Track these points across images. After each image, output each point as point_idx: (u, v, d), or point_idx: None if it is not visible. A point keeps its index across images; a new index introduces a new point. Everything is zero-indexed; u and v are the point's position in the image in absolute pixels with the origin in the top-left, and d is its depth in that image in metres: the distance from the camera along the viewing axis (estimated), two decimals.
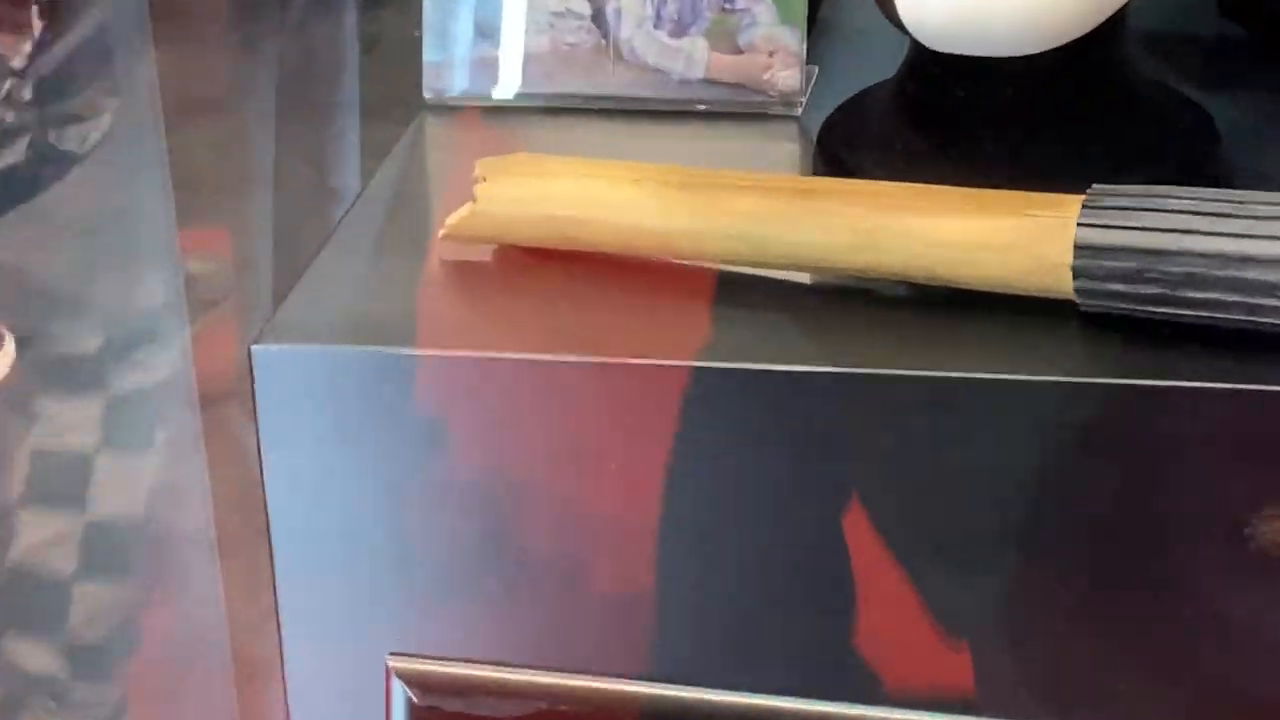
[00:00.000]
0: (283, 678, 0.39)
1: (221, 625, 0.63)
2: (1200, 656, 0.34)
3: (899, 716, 0.34)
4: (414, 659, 0.36)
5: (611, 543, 0.36)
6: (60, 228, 0.61)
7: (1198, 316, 0.31)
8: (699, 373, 0.33)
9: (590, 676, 0.35)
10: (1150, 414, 0.32)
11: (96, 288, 0.63)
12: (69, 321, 0.63)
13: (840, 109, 0.45)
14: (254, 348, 0.37)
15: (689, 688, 0.35)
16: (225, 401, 0.60)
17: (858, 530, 0.34)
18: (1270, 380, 0.30)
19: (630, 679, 0.35)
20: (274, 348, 0.36)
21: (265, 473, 0.37)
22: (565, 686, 0.36)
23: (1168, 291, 0.30)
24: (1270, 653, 0.33)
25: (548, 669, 0.36)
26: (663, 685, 0.35)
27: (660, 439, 0.34)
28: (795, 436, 0.34)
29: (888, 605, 0.34)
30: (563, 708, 0.36)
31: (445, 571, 0.38)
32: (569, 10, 0.49)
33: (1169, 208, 0.31)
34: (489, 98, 0.51)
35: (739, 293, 0.37)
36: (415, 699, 0.36)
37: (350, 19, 0.65)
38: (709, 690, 0.35)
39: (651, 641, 0.36)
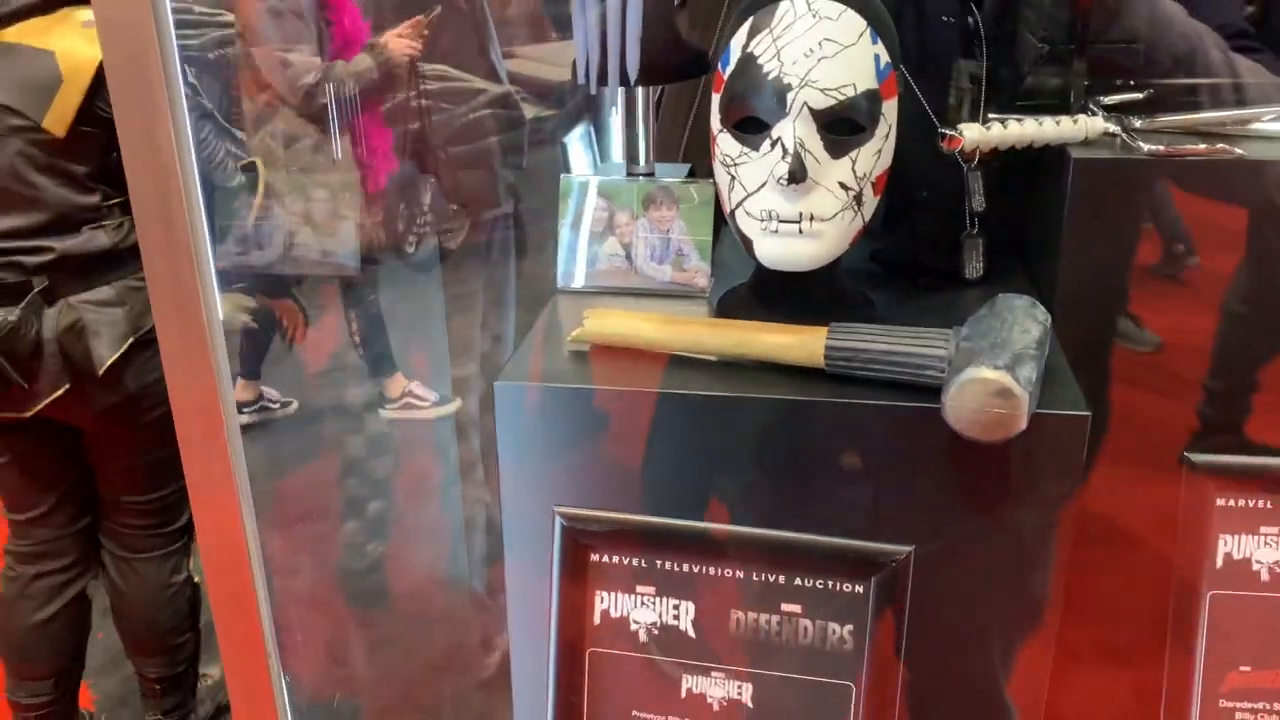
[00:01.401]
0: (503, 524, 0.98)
1: None
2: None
3: None
4: (569, 510, 0.95)
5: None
6: None
7: (872, 373, 0.92)
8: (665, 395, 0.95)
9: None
10: (849, 421, 0.93)
11: None
12: None
13: (726, 293, 1.09)
14: (496, 384, 0.97)
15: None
16: None
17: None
18: (909, 401, 0.92)
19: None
20: (505, 384, 0.97)
21: (498, 432, 0.97)
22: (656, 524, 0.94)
23: (859, 365, 0.92)
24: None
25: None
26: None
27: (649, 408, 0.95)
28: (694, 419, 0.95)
29: None
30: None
31: (583, 476, 0.98)
32: (616, 254, 1.14)
33: (860, 331, 0.93)
34: (585, 288, 1.15)
35: (689, 365, 0.99)
36: (564, 523, 0.94)
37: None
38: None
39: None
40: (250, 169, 1.62)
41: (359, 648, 2.53)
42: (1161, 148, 1.05)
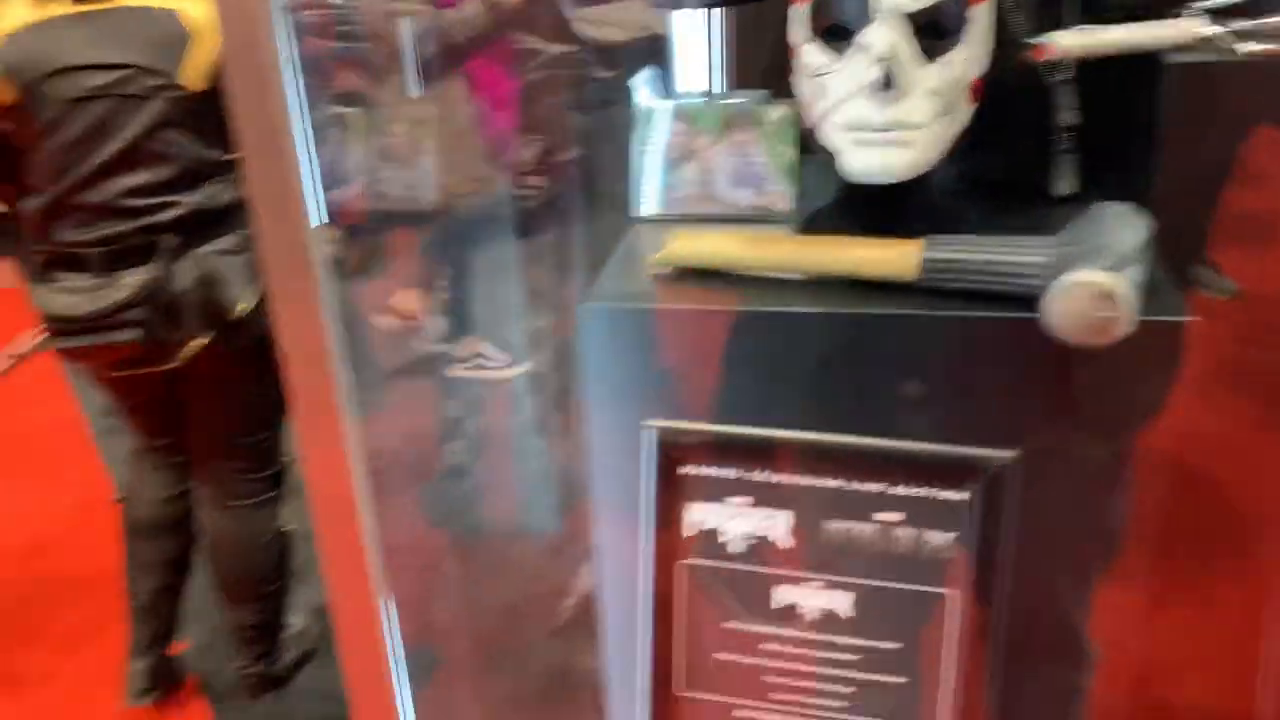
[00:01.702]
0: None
1: None
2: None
3: None
4: (660, 423, 0.95)
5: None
6: None
7: (970, 285, 0.89)
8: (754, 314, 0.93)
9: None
10: (949, 332, 0.91)
11: None
12: None
13: (810, 214, 1.07)
14: (580, 306, 0.97)
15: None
16: None
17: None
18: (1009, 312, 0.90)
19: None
20: (591, 306, 0.96)
21: (582, 356, 0.96)
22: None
23: (956, 276, 0.90)
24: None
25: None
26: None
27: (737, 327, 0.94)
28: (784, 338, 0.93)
29: None
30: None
31: (671, 394, 0.97)
32: (697, 181, 1.12)
33: (957, 243, 0.91)
34: (663, 215, 1.14)
35: (776, 284, 0.97)
36: (657, 436, 0.93)
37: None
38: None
39: None
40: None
41: (436, 597, 2.58)
42: (1263, 48, 1.00)
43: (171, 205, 1.90)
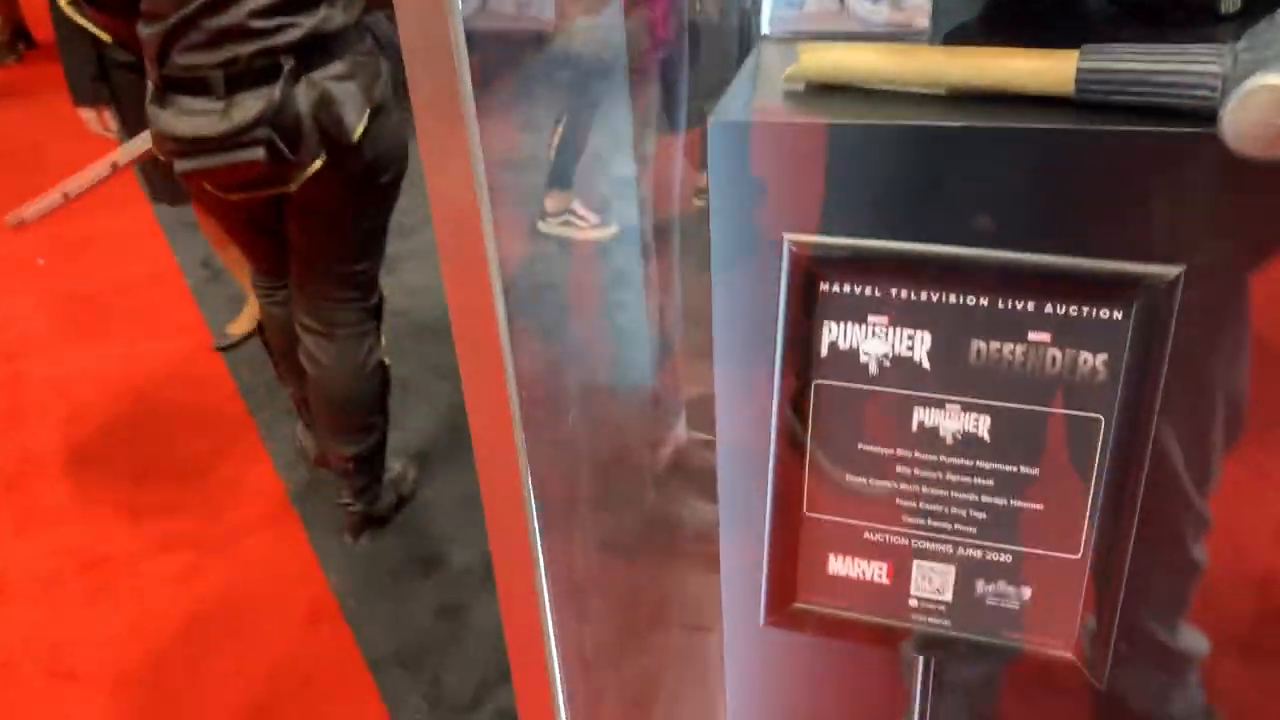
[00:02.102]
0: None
1: None
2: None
3: None
4: (798, 237, 0.91)
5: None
6: None
7: (1133, 98, 0.83)
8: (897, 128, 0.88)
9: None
10: (1108, 146, 0.85)
11: None
12: None
13: (953, 28, 1.00)
14: (711, 120, 0.92)
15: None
16: None
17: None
18: (1176, 127, 0.84)
19: None
20: (722, 121, 0.92)
21: (710, 173, 0.93)
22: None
23: (1118, 88, 0.83)
24: None
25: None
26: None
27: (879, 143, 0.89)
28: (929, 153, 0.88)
29: None
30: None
31: (806, 212, 0.94)
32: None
33: (1118, 51, 0.84)
34: (795, 33, 1.08)
35: (919, 99, 0.92)
36: (794, 249, 0.90)
37: None
38: None
39: None
40: None
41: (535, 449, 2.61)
42: None
43: (291, 27, 1.93)
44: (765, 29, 1.10)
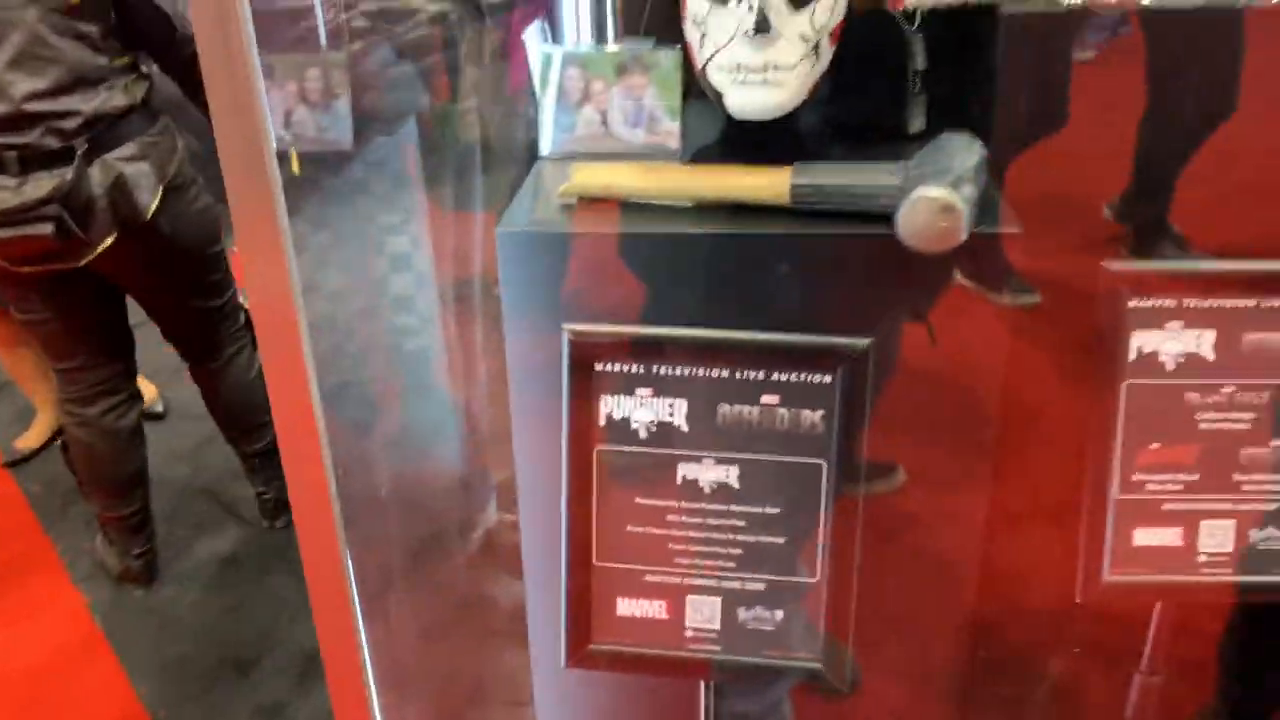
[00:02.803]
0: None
1: None
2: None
3: None
4: (575, 327, 1.07)
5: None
6: None
7: (833, 206, 1.04)
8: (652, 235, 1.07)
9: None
10: (815, 244, 1.05)
11: None
12: None
13: (697, 149, 1.21)
14: (498, 230, 1.08)
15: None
16: None
17: None
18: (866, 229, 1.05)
19: None
20: (507, 231, 1.08)
21: (501, 275, 1.08)
22: None
23: (822, 199, 1.04)
24: None
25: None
26: None
27: (638, 247, 1.07)
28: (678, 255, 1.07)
29: None
30: None
31: (580, 304, 1.10)
32: (594, 121, 1.24)
33: (821, 168, 1.05)
34: (567, 153, 1.26)
35: (669, 210, 1.11)
36: (572, 337, 1.05)
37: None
38: None
39: None
40: None
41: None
42: (1082, 0, 1.18)
43: (71, 113, 2.07)
44: (543, 150, 1.27)
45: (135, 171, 2.16)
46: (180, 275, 2.44)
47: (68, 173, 2.05)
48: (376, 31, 1.74)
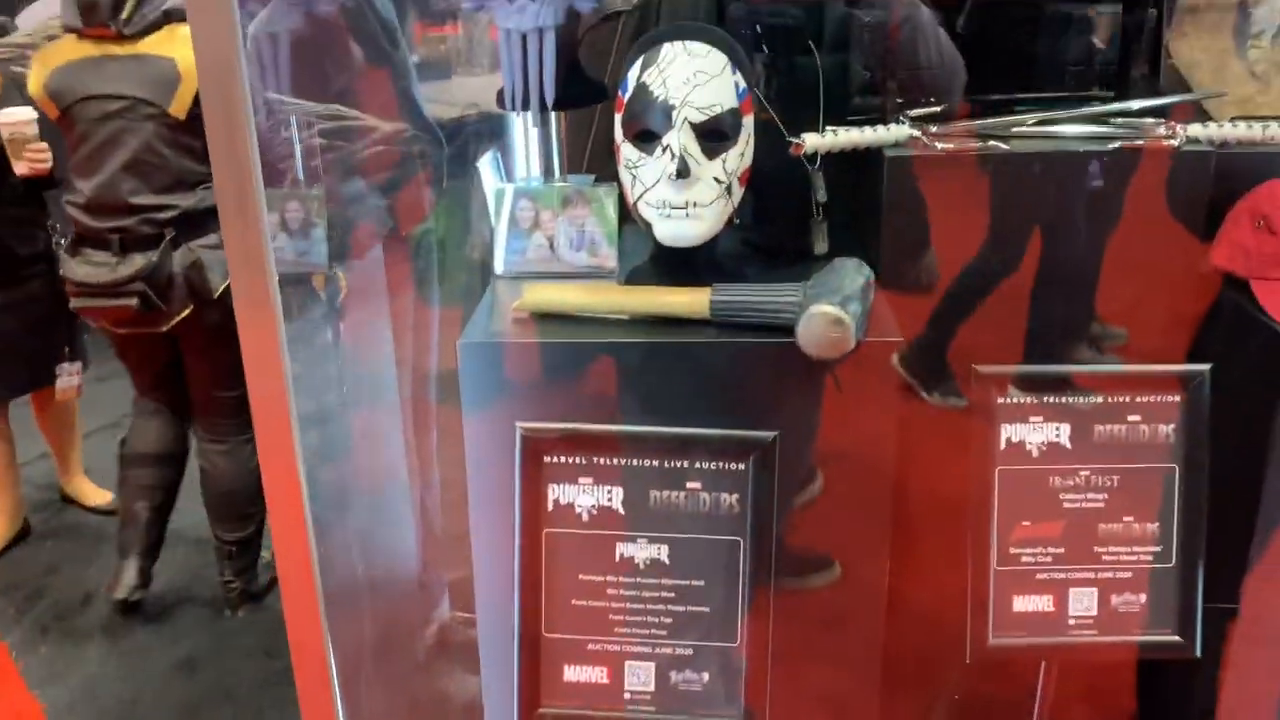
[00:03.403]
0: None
1: None
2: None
3: None
4: (526, 425, 1.23)
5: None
6: None
7: (746, 319, 1.23)
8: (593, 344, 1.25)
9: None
10: (731, 352, 1.23)
11: None
12: None
13: (631, 270, 1.39)
14: (460, 343, 1.26)
15: None
16: None
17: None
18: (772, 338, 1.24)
19: None
20: (468, 343, 1.25)
21: (461, 381, 1.25)
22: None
23: (736, 313, 1.23)
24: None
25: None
26: None
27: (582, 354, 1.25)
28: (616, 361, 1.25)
29: None
30: None
31: (532, 405, 1.27)
32: (543, 246, 1.43)
33: (736, 288, 1.24)
34: (519, 273, 1.44)
35: (608, 323, 1.29)
36: (524, 433, 1.22)
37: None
38: None
39: None
40: None
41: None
42: (951, 146, 1.40)
43: (169, 207, 2.54)
44: (497, 269, 1.45)
45: (211, 257, 2.58)
46: (224, 355, 2.63)
47: (154, 255, 2.52)
48: (333, 150, 1.94)
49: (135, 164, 2.51)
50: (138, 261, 2.51)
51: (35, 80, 2.58)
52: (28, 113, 2.78)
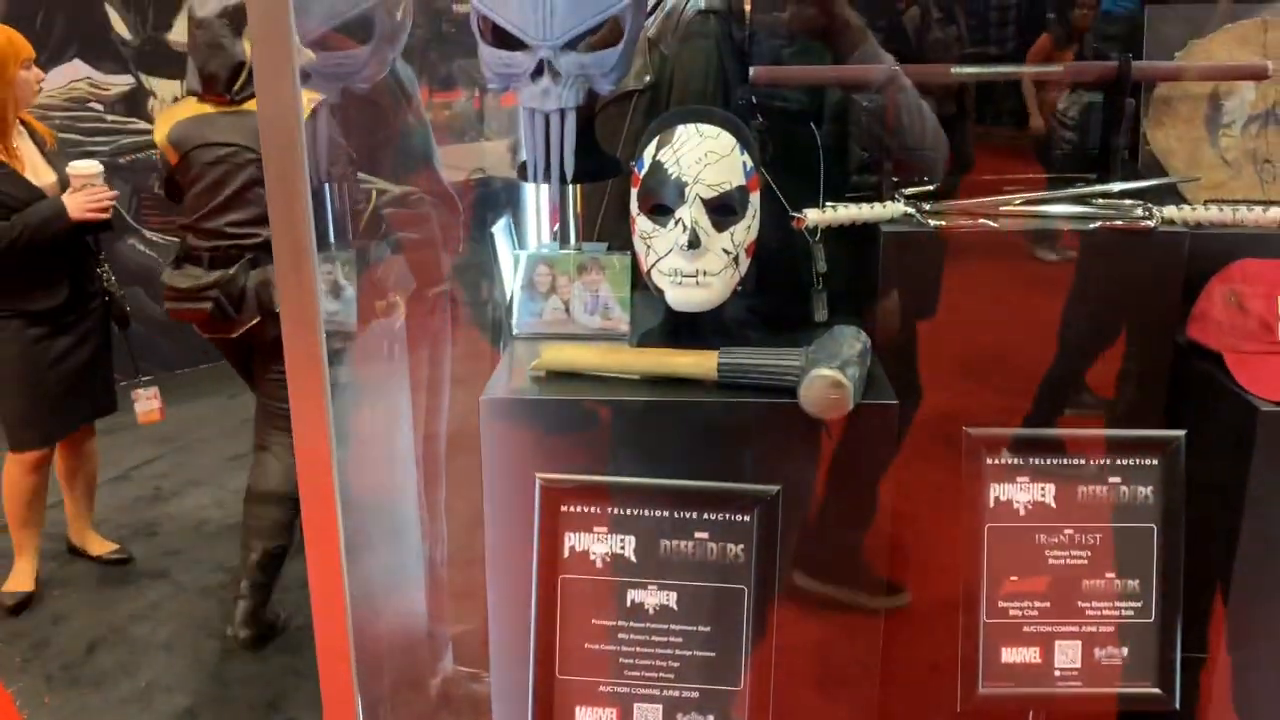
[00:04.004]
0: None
1: None
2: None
3: None
4: (545, 475, 1.31)
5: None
6: None
7: (750, 381, 1.32)
8: (607, 401, 1.33)
9: None
10: (737, 411, 1.32)
11: None
12: None
13: (643, 332, 1.48)
14: (482, 399, 1.34)
15: None
16: None
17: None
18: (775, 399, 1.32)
19: None
20: (489, 399, 1.34)
21: (483, 435, 1.33)
22: None
23: (741, 375, 1.32)
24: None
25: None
26: None
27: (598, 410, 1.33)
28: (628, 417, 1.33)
29: None
30: None
31: (549, 457, 1.34)
32: (559, 309, 1.52)
33: (741, 352, 1.33)
34: (536, 334, 1.53)
35: (620, 382, 1.38)
36: (543, 484, 1.30)
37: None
38: None
39: None
40: None
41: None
42: (943, 223, 1.50)
43: (255, 235, 3.05)
44: (514, 330, 1.54)
45: None
46: (280, 366, 2.92)
47: (231, 270, 3.03)
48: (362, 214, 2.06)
49: (235, 198, 3.05)
50: (217, 274, 3.04)
51: (160, 132, 3.15)
52: (94, 165, 3.27)
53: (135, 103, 5.20)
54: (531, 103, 1.50)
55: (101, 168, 3.27)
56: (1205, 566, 1.39)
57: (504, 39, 1.49)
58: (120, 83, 5.15)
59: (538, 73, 1.48)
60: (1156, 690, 1.36)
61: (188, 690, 3.09)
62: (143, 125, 5.14)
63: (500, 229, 2.51)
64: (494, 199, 2.57)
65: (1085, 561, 1.36)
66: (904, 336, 1.49)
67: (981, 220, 1.50)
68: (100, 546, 3.77)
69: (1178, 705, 1.36)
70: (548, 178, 1.55)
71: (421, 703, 2.54)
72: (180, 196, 3.18)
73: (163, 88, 5.32)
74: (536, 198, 2.48)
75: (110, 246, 3.56)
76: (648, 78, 1.85)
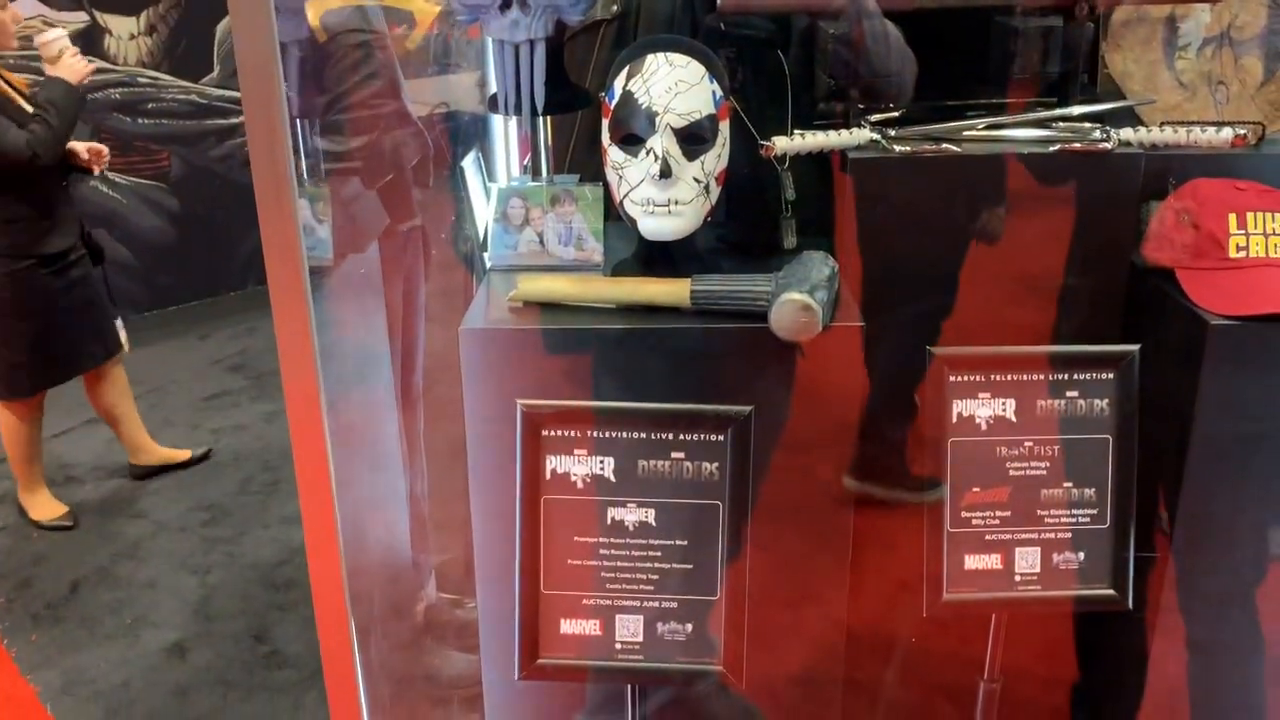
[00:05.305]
0: None
1: None
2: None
3: None
4: (526, 401, 1.35)
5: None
6: None
7: (722, 307, 1.36)
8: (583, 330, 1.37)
9: None
10: (710, 336, 1.36)
11: None
12: None
13: (618, 263, 1.52)
14: (461, 329, 1.37)
15: None
16: None
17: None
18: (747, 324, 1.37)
19: None
20: (468, 329, 1.37)
21: (463, 365, 1.37)
22: None
23: (713, 301, 1.36)
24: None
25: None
26: None
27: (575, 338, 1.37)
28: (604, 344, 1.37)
29: None
30: None
31: (529, 384, 1.38)
32: (533, 241, 1.55)
33: (713, 279, 1.37)
34: (512, 266, 1.56)
35: (596, 311, 1.41)
36: (524, 409, 1.34)
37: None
38: None
39: None
40: None
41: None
42: (908, 148, 1.53)
43: None
44: (490, 263, 1.57)
45: None
46: None
47: None
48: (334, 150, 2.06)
49: None
50: None
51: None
52: (59, 30, 3.23)
53: (91, 40, 5.09)
54: (500, 34, 1.52)
55: (65, 30, 3.25)
56: (1157, 474, 1.46)
57: None
58: (74, 20, 5.03)
59: (506, 4, 1.48)
60: (1111, 592, 1.43)
61: (174, 625, 3.14)
62: (101, 64, 5.04)
63: (469, 163, 2.52)
64: (463, 133, 2.57)
65: (1044, 472, 1.42)
66: (873, 260, 1.53)
67: (945, 145, 1.54)
68: (174, 455, 3.99)
69: (1130, 605, 1.44)
70: (519, 110, 1.57)
71: (407, 630, 2.60)
72: None
73: (118, 24, 5.20)
74: (505, 131, 2.48)
75: (75, 188, 3.50)
76: (615, 7, 1.86)
